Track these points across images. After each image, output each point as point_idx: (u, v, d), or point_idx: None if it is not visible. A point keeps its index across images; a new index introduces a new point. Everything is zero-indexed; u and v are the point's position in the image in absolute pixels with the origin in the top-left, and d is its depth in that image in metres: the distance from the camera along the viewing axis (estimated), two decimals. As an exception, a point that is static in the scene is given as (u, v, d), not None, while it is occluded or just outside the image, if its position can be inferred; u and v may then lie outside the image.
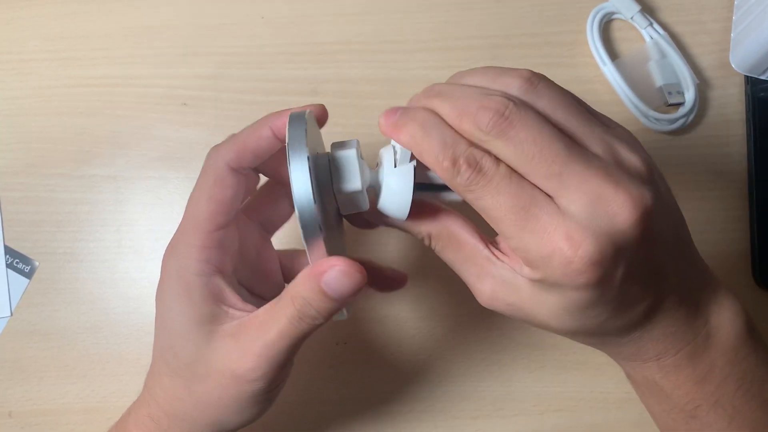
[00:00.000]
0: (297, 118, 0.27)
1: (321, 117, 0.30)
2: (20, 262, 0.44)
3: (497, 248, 0.28)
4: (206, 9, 0.46)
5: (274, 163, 0.32)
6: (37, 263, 0.44)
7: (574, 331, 0.27)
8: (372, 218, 0.30)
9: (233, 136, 0.31)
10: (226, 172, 0.30)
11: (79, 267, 0.44)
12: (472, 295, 0.42)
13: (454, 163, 0.25)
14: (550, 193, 0.24)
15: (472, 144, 0.25)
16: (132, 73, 0.45)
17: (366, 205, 0.29)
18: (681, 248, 0.28)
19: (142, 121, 0.45)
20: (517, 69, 0.26)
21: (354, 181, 0.28)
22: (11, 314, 0.43)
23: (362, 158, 0.29)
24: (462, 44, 0.45)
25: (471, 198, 0.25)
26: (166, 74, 0.45)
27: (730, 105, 0.44)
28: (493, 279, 0.27)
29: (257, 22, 0.46)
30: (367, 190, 0.29)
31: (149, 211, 0.44)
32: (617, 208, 0.24)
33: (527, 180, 0.25)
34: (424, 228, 0.29)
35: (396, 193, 0.28)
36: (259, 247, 0.34)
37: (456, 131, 0.25)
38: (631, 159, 0.25)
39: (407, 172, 0.28)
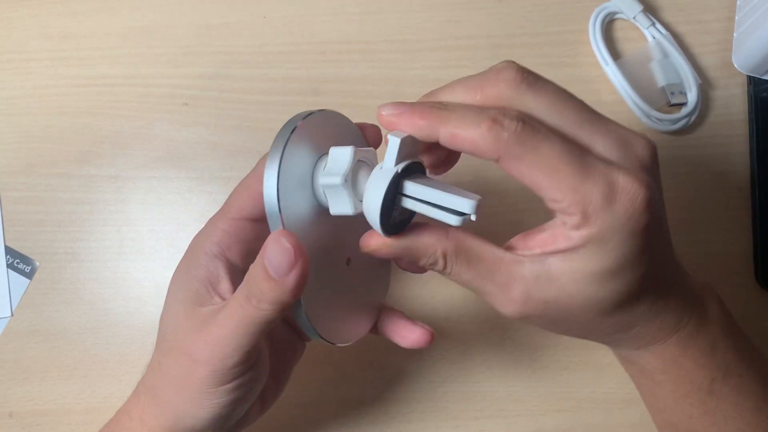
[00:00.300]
0: (290, 123, 0.27)
1: (373, 137, 0.31)
2: (21, 262, 0.43)
3: (516, 249, 0.27)
4: (208, 8, 0.46)
5: None
6: (37, 263, 0.44)
7: (612, 303, 0.26)
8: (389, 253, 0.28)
9: None
10: None
11: (80, 267, 0.43)
12: (471, 295, 0.42)
13: (495, 120, 0.24)
14: (586, 142, 0.25)
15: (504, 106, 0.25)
16: (133, 72, 0.45)
17: (349, 208, 0.27)
18: (664, 239, 0.29)
19: (144, 121, 0.45)
20: (499, 66, 0.26)
21: (334, 175, 0.26)
22: (12, 314, 0.43)
23: (361, 161, 0.28)
24: (463, 44, 0.45)
25: (523, 152, 0.24)
26: (167, 74, 0.45)
27: (733, 105, 0.44)
28: (524, 280, 0.26)
29: (259, 22, 0.46)
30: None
31: (151, 211, 0.44)
32: (643, 150, 0.26)
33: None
34: (439, 246, 0.27)
35: (369, 195, 0.26)
36: None
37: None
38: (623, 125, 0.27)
39: (384, 175, 0.26)
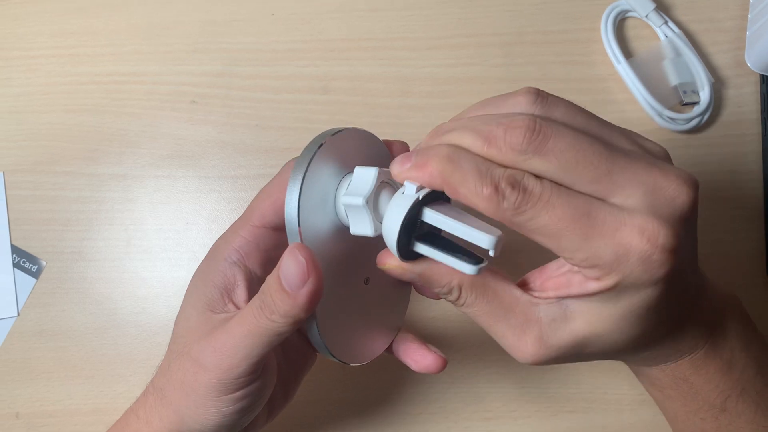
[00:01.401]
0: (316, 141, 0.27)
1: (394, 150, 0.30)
2: (27, 262, 0.43)
3: (532, 291, 0.27)
4: (216, 5, 0.45)
5: None
6: (44, 263, 0.43)
7: (634, 340, 0.26)
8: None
9: None
10: None
11: (86, 266, 0.43)
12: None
13: (497, 188, 0.23)
14: (602, 196, 0.23)
15: (507, 167, 0.24)
16: (140, 70, 0.45)
17: (369, 230, 0.27)
18: (688, 278, 0.28)
19: (151, 119, 0.44)
20: (516, 91, 0.25)
21: (357, 195, 0.26)
22: (18, 314, 0.43)
23: (384, 183, 0.27)
24: (474, 42, 0.45)
25: (522, 222, 0.23)
26: (175, 71, 0.45)
27: (745, 104, 0.44)
28: (539, 323, 0.25)
29: (267, 19, 0.45)
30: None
31: (158, 210, 0.44)
32: (674, 191, 0.23)
33: (575, 190, 0.23)
34: (456, 278, 0.27)
35: (389, 219, 0.25)
36: None
37: (486, 159, 0.24)
38: (654, 147, 0.26)
39: (403, 201, 0.25)
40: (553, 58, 0.44)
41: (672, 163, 0.25)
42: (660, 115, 0.43)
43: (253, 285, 0.30)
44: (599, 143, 0.24)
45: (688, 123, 0.43)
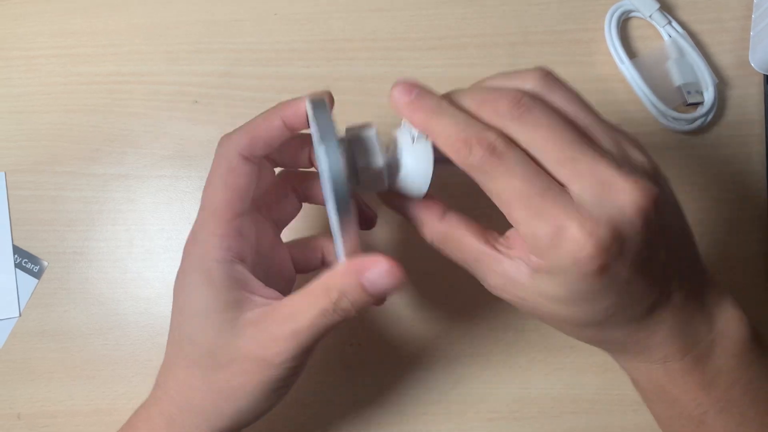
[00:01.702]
0: (319, 101, 0.28)
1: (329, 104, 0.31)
2: (29, 262, 0.43)
3: (502, 244, 0.28)
4: (218, 5, 0.45)
5: (285, 153, 0.33)
6: (46, 263, 0.43)
7: (577, 322, 0.27)
8: (385, 200, 0.30)
9: (244, 124, 0.31)
10: (238, 160, 0.30)
11: (88, 267, 0.43)
12: (487, 298, 0.42)
13: (466, 142, 0.25)
14: (563, 180, 0.25)
15: (486, 128, 0.26)
16: (142, 69, 0.45)
17: (384, 185, 0.29)
18: (685, 249, 0.28)
19: (153, 119, 0.44)
20: (531, 69, 0.28)
21: (376, 158, 0.28)
22: (20, 315, 0.43)
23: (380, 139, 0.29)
24: (478, 42, 0.44)
25: (483, 180, 0.26)
26: (177, 71, 0.44)
27: (749, 105, 0.44)
28: (499, 276, 0.27)
29: (270, 19, 0.45)
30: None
31: (161, 210, 0.43)
32: (626, 197, 0.24)
33: (541, 167, 0.25)
34: (428, 235, 0.29)
35: (414, 171, 0.28)
36: (272, 241, 0.34)
37: (471, 116, 0.26)
38: (638, 157, 0.27)
39: (426, 148, 0.28)
40: (557, 58, 0.44)
41: (655, 180, 0.26)
42: (663, 115, 0.43)
43: (256, 270, 0.30)
44: (575, 132, 0.25)
45: (691, 123, 0.43)
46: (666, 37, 0.44)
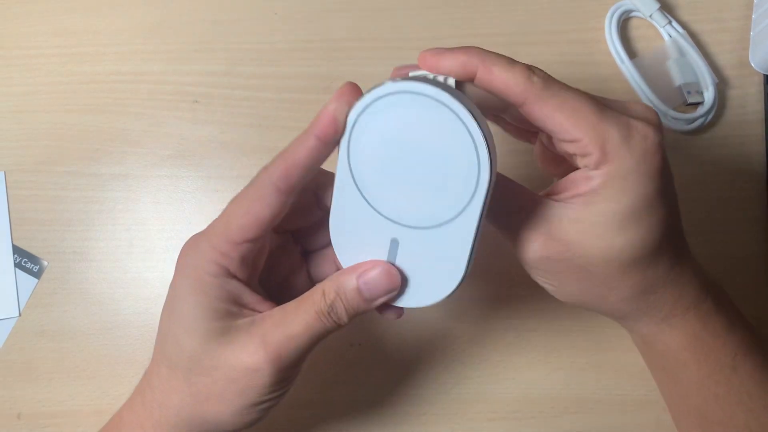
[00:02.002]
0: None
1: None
2: (29, 262, 0.43)
3: (548, 194, 0.29)
4: (219, 4, 0.45)
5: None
6: (45, 263, 0.43)
7: (629, 255, 0.28)
8: None
9: (282, 151, 0.28)
10: (270, 191, 0.28)
11: (88, 267, 0.43)
12: (488, 296, 0.42)
13: (528, 67, 0.26)
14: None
15: None
16: (143, 69, 0.45)
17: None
18: (676, 206, 0.30)
19: (154, 119, 0.44)
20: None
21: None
22: (20, 314, 0.42)
23: None
24: (479, 41, 0.44)
25: (548, 95, 0.26)
26: (177, 71, 0.44)
27: (749, 104, 0.44)
28: (549, 220, 0.28)
29: (271, 18, 0.45)
30: None
31: (161, 210, 0.43)
32: (648, 113, 0.28)
33: None
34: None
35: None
36: (292, 263, 0.33)
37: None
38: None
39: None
40: (557, 57, 0.44)
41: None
42: (664, 115, 0.43)
43: (255, 289, 0.30)
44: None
45: (691, 123, 0.43)
46: (666, 37, 0.44)
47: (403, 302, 0.29)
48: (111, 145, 0.44)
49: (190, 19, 0.45)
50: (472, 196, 0.25)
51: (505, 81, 0.26)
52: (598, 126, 0.26)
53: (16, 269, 0.43)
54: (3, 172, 0.44)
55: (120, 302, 0.42)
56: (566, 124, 0.26)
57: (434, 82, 0.25)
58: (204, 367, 0.28)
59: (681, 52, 0.44)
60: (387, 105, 0.25)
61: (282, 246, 0.32)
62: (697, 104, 0.43)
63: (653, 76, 0.43)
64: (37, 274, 0.43)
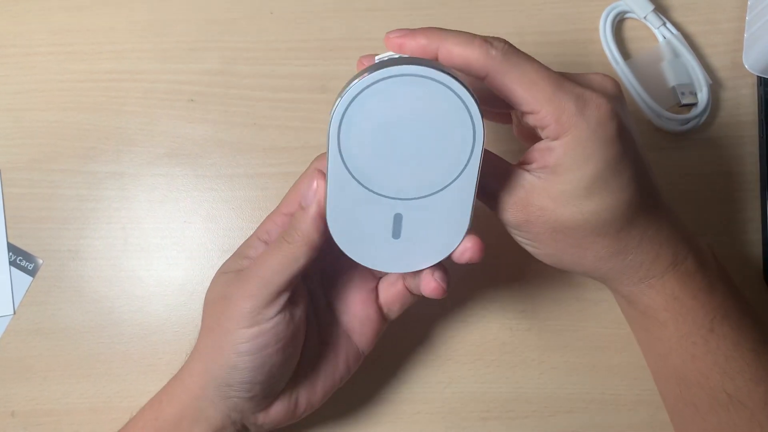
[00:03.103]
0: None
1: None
2: (23, 260, 0.43)
3: (520, 164, 0.30)
4: (214, 3, 0.45)
5: None
6: (40, 261, 0.43)
7: (600, 222, 0.29)
8: None
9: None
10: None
11: (83, 265, 0.43)
12: (480, 295, 0.42)
13: (486, 40, 0.27)
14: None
15: None
16: (139, 67, 0.45)
17: None
18: (646, 167, 0.31)
19: (149, 117, 0.44)
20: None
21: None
22: (14, 312, 0.42)
23: None
24: (474, 42, 0.45)
25: (508, 66, 0.27)
26: (173, 69, 0.45)
27: (743, 106, 0.44)
28: (524, 188, 0.29)
29: (266, 18, 0.45)
30: None
31: (155, 209, 0.43)
32: (604, 82, 0.30)
33: None
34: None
35: None
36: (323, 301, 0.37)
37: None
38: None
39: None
40: (552, 58, 0.44)
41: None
42: (658, 116, 0.43)
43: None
44: None
45: (685, 124, 0.43)
46: (660, 39, 0.44)
47: (417, 266, 0.31)
48: (106, 144, 0.44)
49: (186, 18, 0.45)
50: (471, 152, 0.27)
51: (464, 57, 0.27)
52: (554, 97, 0.27)
53: (11, 267, 0.43)
54: (-2, 170, 0.44)
55: (115, 300, 0.43)
56: (525, 96, 0.28)
57: (408, 60, 0.27)
58: (211, 299, 0.33)
59: (675, 54, 0.44)
60: (371, 93, 0.26)
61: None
62: (691, 105, 0.43)
63: (647, 77, 0.44)
64: (31, 272, 0.43)
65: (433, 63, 0.26)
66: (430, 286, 0.32)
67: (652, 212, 0.31)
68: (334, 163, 0.28)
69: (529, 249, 0.32)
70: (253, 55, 0.45)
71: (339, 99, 0.27)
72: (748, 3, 0.44)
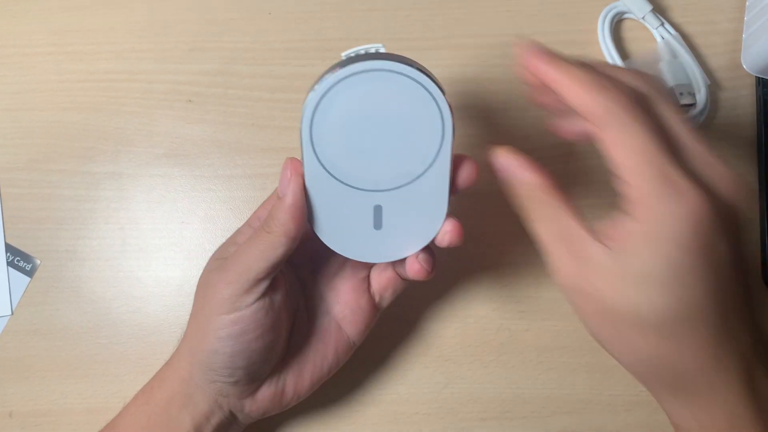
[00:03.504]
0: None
1: None
2: (21, 260, 0.43)
3: (596, 230, 0.27)
4: (213, 3, 0.45)
5: None
6: (38, 261, 0.43)
7: (653, 312, 0.25)
8: None
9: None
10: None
11: (81, 265, 0.43)
12: (479, 296, 0.42)
13: (602, 85, 0.25)
14: (681, 156, 0.26)
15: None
16: (137, 68, 0.45)
17: None
18: (729, 303, 0.27)
19: (147, 118, 0.44)
20: (637, 71, 0.28)
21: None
22: (12, 313, 0.42)
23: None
24: (472, 42, 0.45)
25: (609, 123, 0.25)
26: (171, 70, 0.45)
27: (741, 107, 0.44)
28: (581, 260, 0.26)
29: (265, 18, 0.45)
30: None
31: (153, 209, 0.43)
32: (731, 185, 0.26)
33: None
34: (515, 177, 0.29)
35: None
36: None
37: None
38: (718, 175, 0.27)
39: None
40: (550, 59, 0.44)
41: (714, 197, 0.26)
42: (656, 116, 0.43)
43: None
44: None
45: (684, 125, 0.43)
46: (659, 39, 0.44)
47: (401, 254, 0.32)
48: (105, 144, 0.44)
49: (185, 19, 0.45)
50: (441, 141, 0.28)
51: (579, 91, 0.26)
52: (647, 176, 0.24)
53: (9, 268, 0.43)
54: (-4, 171, 0.44)
55: (112, 301, 0.42)
56: (622, 161, 0.25)
57: (378, 55, 0.28)
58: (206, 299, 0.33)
59: (673, 54, 0.44)
60: (339, 91, 0.28)
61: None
62: (689, 106, 0.43)
63: (646, 77, 0.43)
64: (29, 273, 0.43)
65: (402, 58, 0.27)
66: (414, 268, 0.32)
67: (720, 351, 0.26)
68: (309, 160, 0.29)
69: (578, 314, 0.29)
70: (251, 56, 0.45)
71: (311, 93, 0.27)
72: (747, 3, 0.44)
